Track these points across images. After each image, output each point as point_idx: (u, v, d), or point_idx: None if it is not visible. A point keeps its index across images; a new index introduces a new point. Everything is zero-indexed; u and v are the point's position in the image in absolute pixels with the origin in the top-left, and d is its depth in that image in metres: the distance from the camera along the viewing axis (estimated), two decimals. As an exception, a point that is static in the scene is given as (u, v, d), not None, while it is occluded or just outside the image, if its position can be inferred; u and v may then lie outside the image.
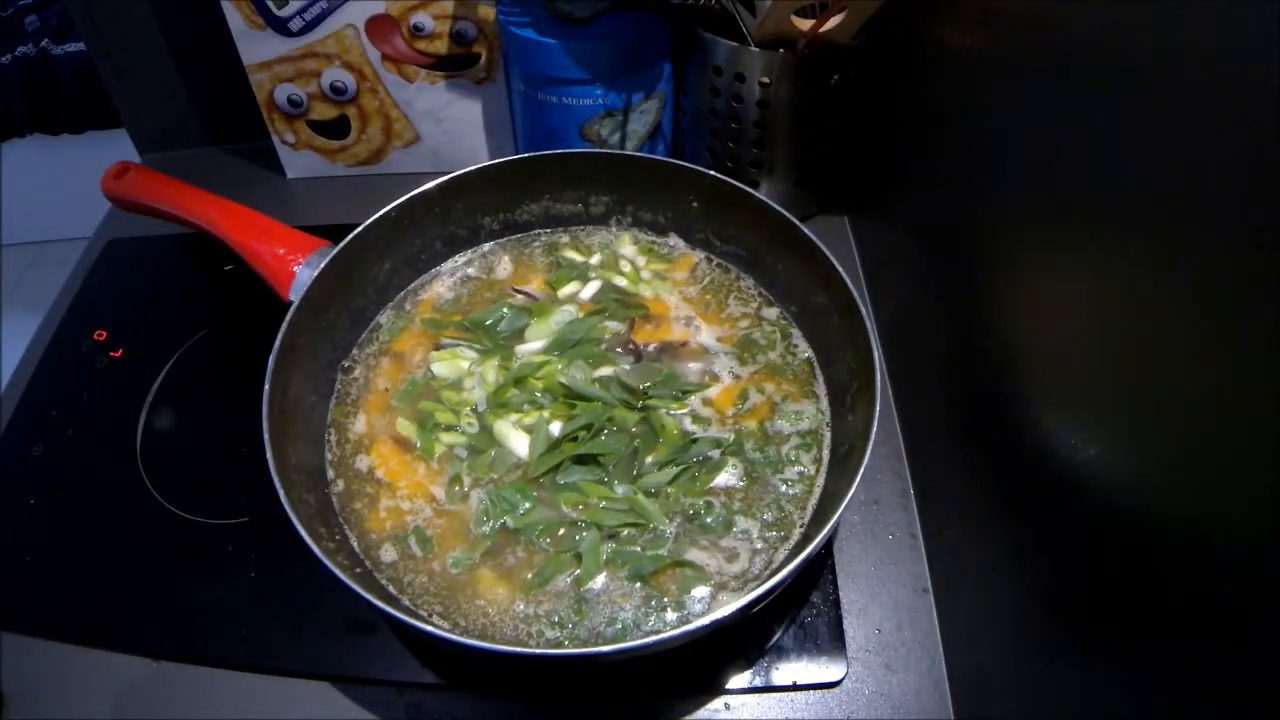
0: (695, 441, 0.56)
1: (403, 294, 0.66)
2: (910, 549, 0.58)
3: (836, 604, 0.55)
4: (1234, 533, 0.30)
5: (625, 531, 0.52)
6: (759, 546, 0.52)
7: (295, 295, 0.58)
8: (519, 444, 0.56)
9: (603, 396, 0.58)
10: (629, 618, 0.50)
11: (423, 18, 0.73)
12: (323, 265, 0.58)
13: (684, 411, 0.58)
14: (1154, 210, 0.34)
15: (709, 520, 0.53)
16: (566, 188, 0.68)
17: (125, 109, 0.85)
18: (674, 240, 0.69)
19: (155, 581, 0.58)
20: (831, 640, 0.53)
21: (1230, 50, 0.30)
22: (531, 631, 0.49)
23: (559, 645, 0.49)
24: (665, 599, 0.50)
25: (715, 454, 0.56)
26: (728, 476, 0.55)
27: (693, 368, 0.61)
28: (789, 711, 0.51)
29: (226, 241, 0.68)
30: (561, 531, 0.53)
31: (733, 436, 0.57)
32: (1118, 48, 0.36)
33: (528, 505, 0.54)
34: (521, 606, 0.50)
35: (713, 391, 0.59)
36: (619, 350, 0.61)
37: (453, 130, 0.82)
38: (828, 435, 0.57)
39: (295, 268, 0.62)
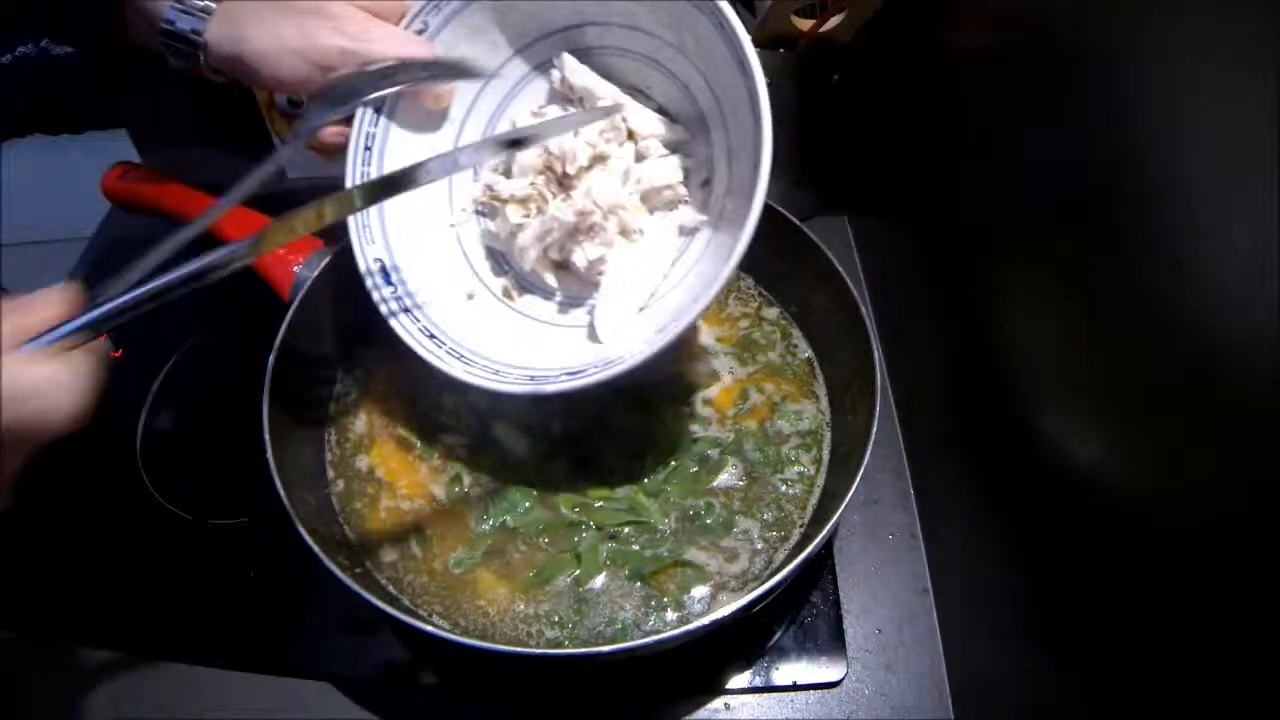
0: (696, 441, 0.56)
1: (403, 294, 0.66)
2: (910, 549, 0.58)
3: (836, 604, 0.55)
4: (1233, 532, 0.30)
5: (625, 530, 0.52)
6: (759, 546, 0.52)
7: (295, 295, 0.58)
8: (519, 444, 0.56)
9: (603, 395, 0.57)
10: (629, 618, 0.50)
11: (423, 18, 0.73)
12: (322, 265, 0.58)
13: (685, 411, 0.58)
14: (1152, 210, 0.34)
15: (709, 521, 0.53)
16: (566, 188, 0.68)
17: (125, 109, 0.85)
18: (674, 240, 0.68)
19: (155, 581, 0.58)
20: (831, 640, 0.53)
21: (1231, 51, 0.30)
22: (531, 631, 0.49)
23: (559, 645, 0.49)
24: (665, 599, 0.50)
25: (715, 454, 0.56)
26: (728, 476, 0.55)
27: (693, 367, 0.61)
28: (789, 711, 0.51)
29: (226, 241, 0.68)
30: (561, 531, 0.53)
31: (733, 436, 0.57)
32: (1118, 48, 0.36)
33: (527, 504, 0.54)
34: (521, 606, 0.50)
35: (713, 391, 0.59)
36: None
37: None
38: (828, 435, 0.57)
39: (295, 268, 0.62)
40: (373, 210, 0.52)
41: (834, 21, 0.64)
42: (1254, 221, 0.28)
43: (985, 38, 0.51)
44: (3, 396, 0.28)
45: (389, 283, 0.52)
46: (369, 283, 0.52)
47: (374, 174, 0.52)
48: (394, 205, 0.52)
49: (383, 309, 0.52)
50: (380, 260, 0.53)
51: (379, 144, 0.52)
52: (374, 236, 0.53)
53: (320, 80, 0.46)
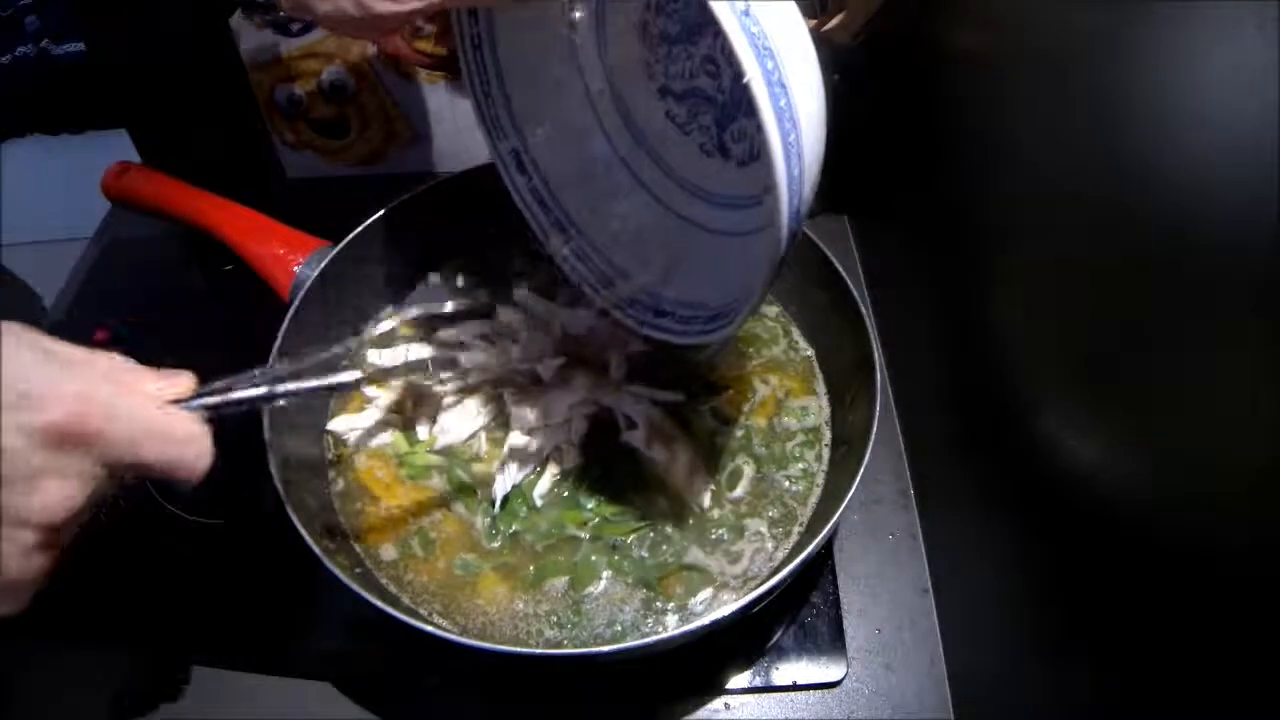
0: (719, 450, 0.56)
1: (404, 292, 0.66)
2: (910, 549, 0.58)
3: (836, 604, 0.55)
4: (1233, 532, 0.30)
5: (630, 539, 0.52)
6: (760, 546, 0.52)
7: (295, 295, 0.58)
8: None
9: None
10: (629, 618, 0.50)
11: (423, 18, 0.73)
12: (323, 265, 0.58)
13: (703, 409, 0.58)
14: (1153, 210, 0.34)
15: (722, 530, 0.53)
16: (567, 187, 0.68)
17: (125, 109, 0.85)
18: (674, 240, 0.68)
19: (155, 581, 0.58)
20: (831, 640, 0.53)
21: (1229, 51, 0.30)
22: (531, 631, 0.49)
23: (559, 645, 0.49)
24: (666, 600, 0.50)
25: (731, 462, 0.56)
26: (744, 484, 0.55)
27: (698, 361, 0.61)
28: (789, 711, 0.51)
29: (226, 241, 0.68)
30: (561, 538, 0.53)
31: (742, 433, 0.57)
32: (1118, 47, 0.36)
33: (528, 509, 0.54)
34: (521, 606, 0.50)
35: (728, 395, 0.59)
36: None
37: (452, 130, 0.82)
38: (828, 435, 0.57)
39: (295, 268, 0.62)
40: (499, 104, 0.53)
41: (834, 21, 0.64)
42: (1256, 220, 0.28)
43: (985, 37, 0.51)
44: (172, 438, 0.34)
45: (523, 172, 0.55)
46: (503, 174, 0.54)
47: (490, 72, 0.53)
48: (521, 95, 0.53)
49: (516, 200, 0.54)
50: (515, 150, 0.54)
51: (486, 38, 0.52)
52: (506, 131, 0.54)
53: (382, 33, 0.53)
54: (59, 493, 0.30)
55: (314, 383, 0.43)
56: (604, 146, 0.56)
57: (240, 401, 0.39)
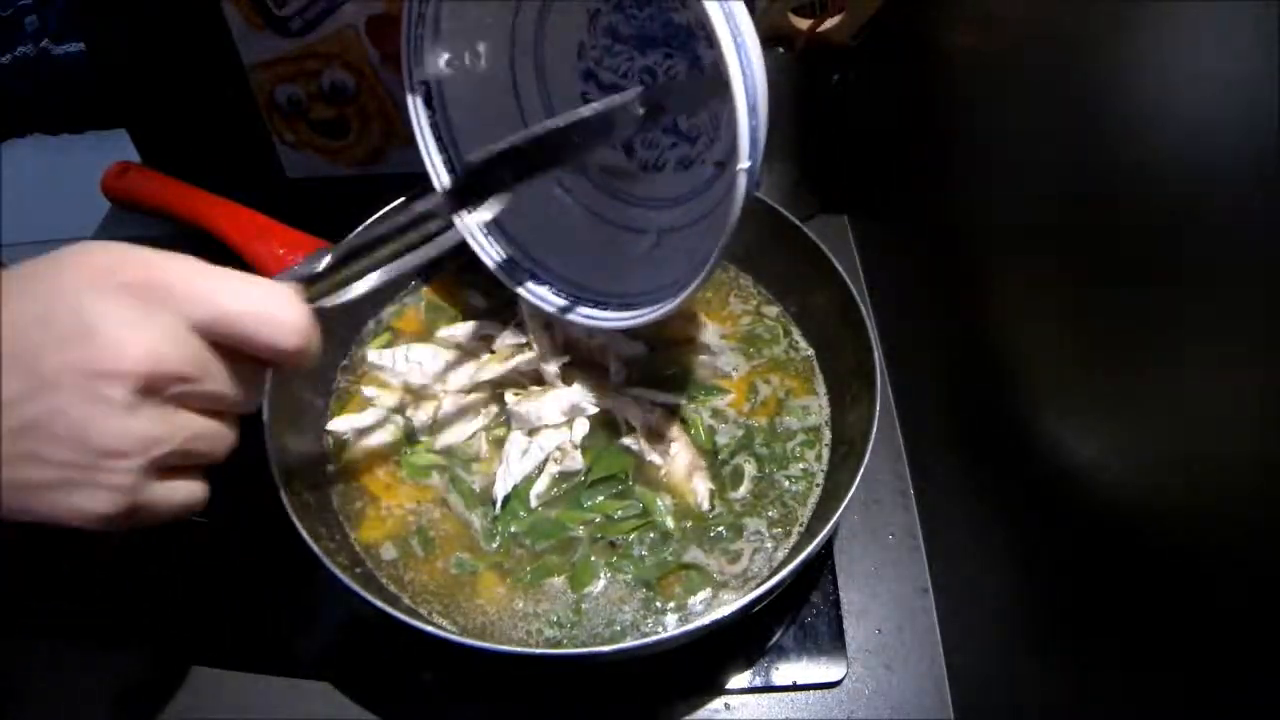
0: (720, 449, 0.56)
1: (403, 292, 0.66)
2: (910, 549, 0.58)
3: (836, 604, 0.55)
4: (1231, 532, 0.30)
5: (630, 539, 0.52)
6: (761, 546, 0.52)
7: (295, 295, 0.58)
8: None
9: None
10: (628, 618, 0.50)
11: (423, 18, 0.73)
12: (322, 265, 0.58)
13: (704, 409, 0.58)
14: (1153, 211, 0.34)
15: (719, 526, 0.53)
16: (566, 187, 0.68)
17: (125, 109, 0.85)
18: (674, 240, 0.69)
19: (154, 581, 0.58)
20: (831, 640, 0.53)
21: (1228, 50, 0.30)
22: (531, 630, 0.49)
23: (558, 645, 0.49)
24: (667, 601, 0.50)
25: (733, 462, 0.56)
26: (746, 484, 0.55)
27: (699, 361, 0.61)
28: (789, 711, 0.51)
29: (226, 241, 0.68)
30: (561, 538, 0.53)
31: (743, 432, 0.57)
32: (1118, 48, 0.36)
33: (526, 510, 0.54)
34: (521, 604, 0.50)
35: (726, 395, 0.60)
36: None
37: (452, 130, 0.82)
38: (828, 435, 0.57)
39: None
40: (429, 31, 0.51)
41: (833, 21, 0.64)
42: (1255, 221, 0.28)
43: (985, 37, 0.51)
44: (258, 296, 0.33)
45: (429, 107, 0.54)
46: (409, 102, 0.53)
47: (428, 44, 0.51)
48: (451, 30, 0.52)
49: (415, 132, 0.53)
50: (427, 83, 0.53)
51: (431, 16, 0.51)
52: (424, 60, 0.52)
53: None
54: (133, 339, 0.29)
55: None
56: (511, 103, 0.55)
57: (333, 266, 0.38)
